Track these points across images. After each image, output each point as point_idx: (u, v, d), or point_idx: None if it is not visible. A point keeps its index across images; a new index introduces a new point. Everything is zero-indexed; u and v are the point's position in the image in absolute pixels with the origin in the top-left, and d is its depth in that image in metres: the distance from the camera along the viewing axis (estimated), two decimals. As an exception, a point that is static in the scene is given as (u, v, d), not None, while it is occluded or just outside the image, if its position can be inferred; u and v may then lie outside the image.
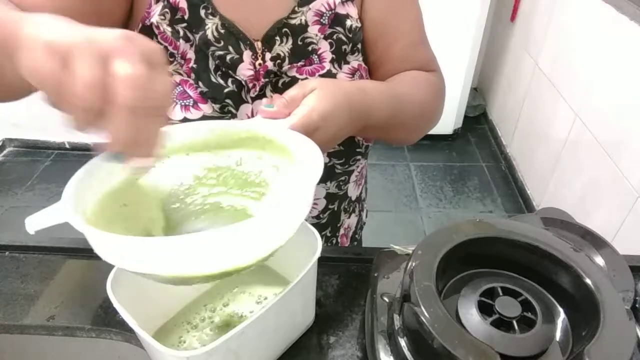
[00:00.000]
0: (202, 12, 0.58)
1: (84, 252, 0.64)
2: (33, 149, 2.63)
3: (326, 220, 0.75)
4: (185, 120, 0.60)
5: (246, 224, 0.35)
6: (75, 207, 0.37)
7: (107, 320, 0.55)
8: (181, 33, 0.58)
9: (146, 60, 0.33)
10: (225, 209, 0.51)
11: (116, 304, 0.42)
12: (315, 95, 0.51)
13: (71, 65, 0.31)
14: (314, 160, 0.43)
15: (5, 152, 2.63)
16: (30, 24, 0.34)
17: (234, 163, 0.51)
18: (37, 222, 0.38)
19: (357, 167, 0.74)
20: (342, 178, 0.72)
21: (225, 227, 0.34)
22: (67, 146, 2.61)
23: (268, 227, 0.38)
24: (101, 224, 0.40)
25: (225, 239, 0.35)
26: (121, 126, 0.33)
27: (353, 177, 0.75)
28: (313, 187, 0.40)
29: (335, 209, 0.76)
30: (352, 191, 0.78)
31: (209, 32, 0.58)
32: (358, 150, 0.70)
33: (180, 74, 0.60)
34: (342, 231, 0.80)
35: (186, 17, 0.57)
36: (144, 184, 0.47)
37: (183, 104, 0.60)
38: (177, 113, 0.60)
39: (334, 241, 0.80)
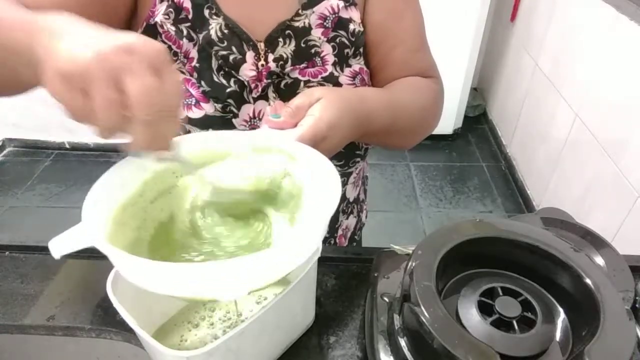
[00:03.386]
0: (206, 12, 0.58)
1: (84, 252, 0.63)
2: (33, 149, 2.62)
3: None
4: (187, 119, 0.60)
5: (263, 254, 0.37)
6: (97, 227, 0.39)
7: (107, 320, 0.55)
8: (185, 32, 0.58)
9: (153, 66, 0.35)
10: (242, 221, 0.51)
11: (116, 304, 0.42)
12: (321, 104, 0.52)
13: (90, 92, 0.34)
14: (332, 189, 0.43)
15: (5, 152, 2.62)
16: (45, 35, 0.36)
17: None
18: (62, 247, 0.39)
19: (356, 168, 0.74)
20: (341, 179, 0.72)
21: (247, 255, 0.36)
22: (67, 146, 2.60)
23: (284, 258, 0.39)
24: (121, 235, 0.42)
25: (243, 268, 0.36)
26: (141, 133, 0.36)
27: (351, 179, 0.75)
28: (329, 217, 0.41)
29: None
30: (350, 193, 0.78)
31: (212, 32, 0.58)
32: (357, 152, 0.70)
33: (182, 72, 0.60)
34: (340, 232, 0.80)
35: (190, 16, 0.58)
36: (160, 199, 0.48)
37: (185, 102, 0.60)
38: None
39: (332, 242, 0.80)
